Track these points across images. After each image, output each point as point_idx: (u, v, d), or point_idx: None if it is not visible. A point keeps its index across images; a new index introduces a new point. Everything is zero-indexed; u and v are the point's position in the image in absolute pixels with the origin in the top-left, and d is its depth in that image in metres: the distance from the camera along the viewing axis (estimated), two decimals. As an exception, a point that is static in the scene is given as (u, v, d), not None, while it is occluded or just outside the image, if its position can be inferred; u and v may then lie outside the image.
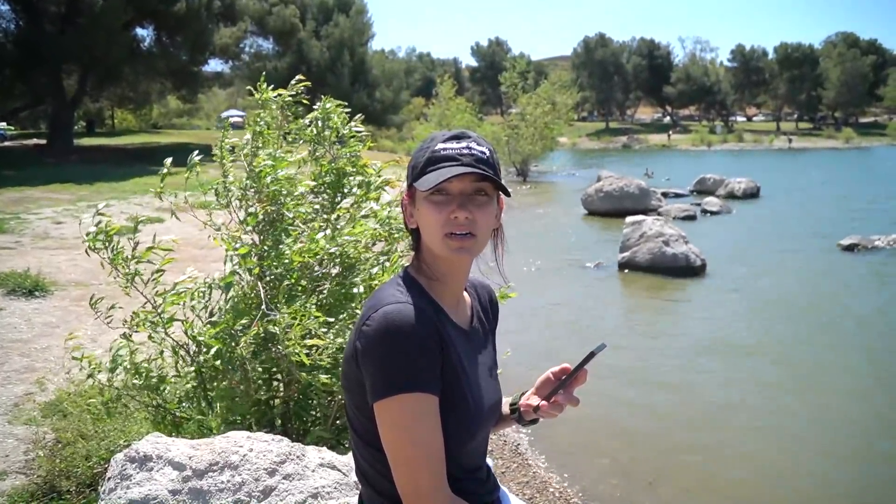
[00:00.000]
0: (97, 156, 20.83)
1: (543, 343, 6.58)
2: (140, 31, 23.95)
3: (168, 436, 1.87)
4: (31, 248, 8.06)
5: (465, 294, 1.12)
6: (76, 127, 28.55)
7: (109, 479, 1.67)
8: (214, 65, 28.99)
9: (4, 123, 26.43)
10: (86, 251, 2.24)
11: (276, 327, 2.05)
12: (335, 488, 1.70)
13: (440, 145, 1.00)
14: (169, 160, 2.42)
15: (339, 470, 1.77)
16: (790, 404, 5.12)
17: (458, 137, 1.01)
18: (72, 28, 19.62)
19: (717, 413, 4.94)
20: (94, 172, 16.46)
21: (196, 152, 2.43)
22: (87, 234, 2.24)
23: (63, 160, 18.88)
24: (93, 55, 19.81)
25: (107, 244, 2.26)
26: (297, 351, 1.95)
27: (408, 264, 1.08)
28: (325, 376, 2.09)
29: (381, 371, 0.92)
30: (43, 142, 23.58)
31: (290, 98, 2.69)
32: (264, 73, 3.06)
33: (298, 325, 2.01)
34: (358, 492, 1.13)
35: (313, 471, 1.72)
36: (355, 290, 2.36)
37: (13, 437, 2.99)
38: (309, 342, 2.03)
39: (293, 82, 2.71)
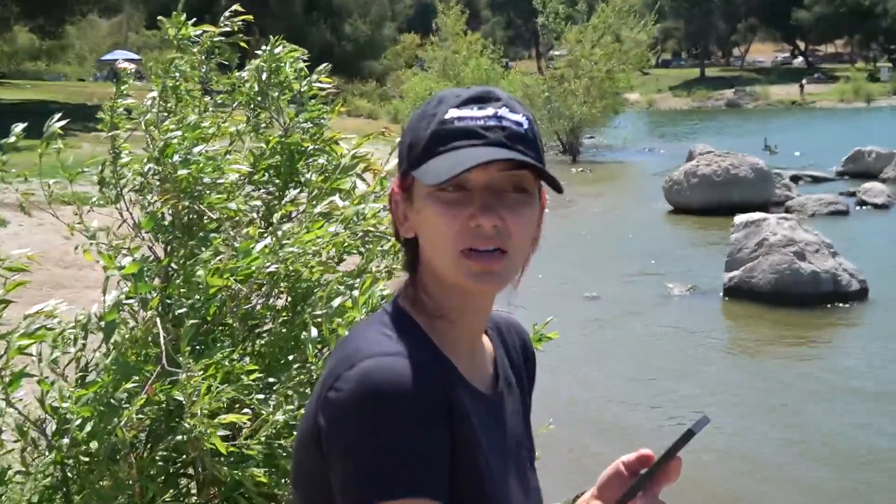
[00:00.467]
0: None
1: (603, 412, 6.55)
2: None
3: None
4: None
5: (485, 338, 1.16)
6: None
7: None
8: (92, -19, 29.25)
9: None
10: None
11: (181, 393, 2.04)
12: None
13: (453, 112, 1.03)
14: (19, 127, 2.38)
15: None
16: None
17: (480, 100, 1.04)
18: None
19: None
20: None
21: (58, 115, 2.41)
22: None
23: None
24: None
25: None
26: (207, 432, 1.93)
27: (398, 293, 1.10)
28: (261, 471, 2.06)
29: (359, 464, 0.93)
30: None
31: (220, 38, 2.70)
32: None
33: (207, 393, 1.96)
34: None
35: None
36: (306, 333, 2.35)
37: None
38: (226, 419, 2.00)
39: (227, 14, 2.72)
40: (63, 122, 2.42)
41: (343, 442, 0.95)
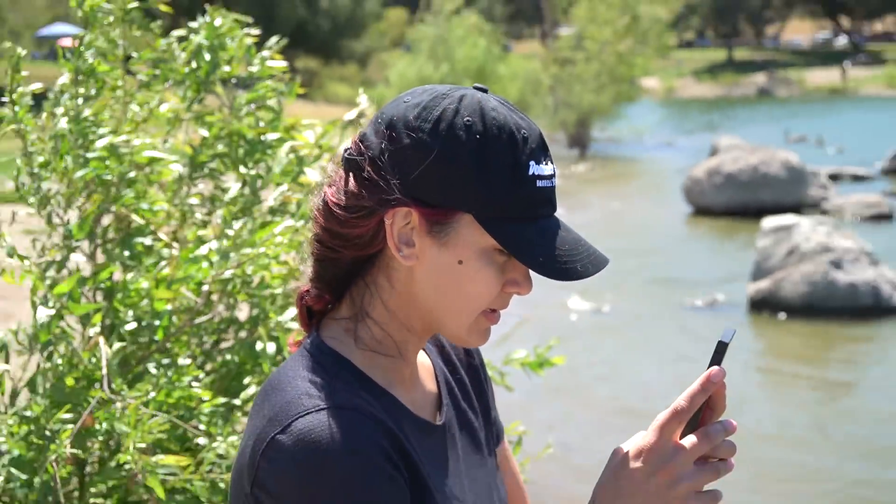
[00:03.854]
0: None
1: (603, 439, 6.56)
2: None
3: None
4: None
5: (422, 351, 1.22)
6: None
7: None
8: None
9: None
10: None
11: (119, 424, 2.06)
12: None
13: (534, 167, 1.04)
14: None
15: None
16: None
17: (544, 148, 1.07)
18: None
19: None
20: None
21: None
22: None
23: None
24: None
25: None
26: (141, 468, 1.95)
27: (323, 331, 1.13)
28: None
29: None
30: None
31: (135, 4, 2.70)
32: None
33: (136, 426, 1.98)
34: None
35: None
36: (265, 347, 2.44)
37: None
38: (163, 460, 2.01)
39: None
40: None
41: None
